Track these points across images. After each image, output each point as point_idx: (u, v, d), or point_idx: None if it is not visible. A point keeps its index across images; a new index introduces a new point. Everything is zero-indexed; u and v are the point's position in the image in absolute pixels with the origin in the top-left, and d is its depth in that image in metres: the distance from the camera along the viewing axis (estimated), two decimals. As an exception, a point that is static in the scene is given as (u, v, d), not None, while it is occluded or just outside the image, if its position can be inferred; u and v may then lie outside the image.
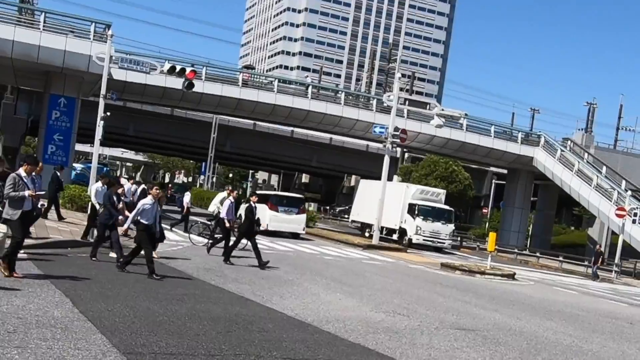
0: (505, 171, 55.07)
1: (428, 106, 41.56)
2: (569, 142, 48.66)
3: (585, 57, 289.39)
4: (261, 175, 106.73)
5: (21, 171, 11.68)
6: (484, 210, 65.30)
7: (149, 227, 14.11)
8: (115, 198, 16.07)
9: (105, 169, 72.08)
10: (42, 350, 7.24)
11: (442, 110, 34.63)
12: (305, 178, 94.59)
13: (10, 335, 7.65)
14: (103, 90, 26.92)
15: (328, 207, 77.54)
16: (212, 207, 24.09)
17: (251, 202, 19.63)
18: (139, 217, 14.24)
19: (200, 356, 7.92)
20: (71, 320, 8.81)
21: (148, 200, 14.56)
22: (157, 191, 15.10)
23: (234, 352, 8.32)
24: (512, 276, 26.84)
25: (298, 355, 8.69)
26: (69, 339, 7.81)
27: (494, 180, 63.97)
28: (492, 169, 63.23)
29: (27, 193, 11.48)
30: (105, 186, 17.64)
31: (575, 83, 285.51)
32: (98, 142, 27.16)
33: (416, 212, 38.00)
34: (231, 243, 18.77)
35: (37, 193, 11.84)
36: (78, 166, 56.99)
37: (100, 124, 26.62)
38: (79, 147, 59.10)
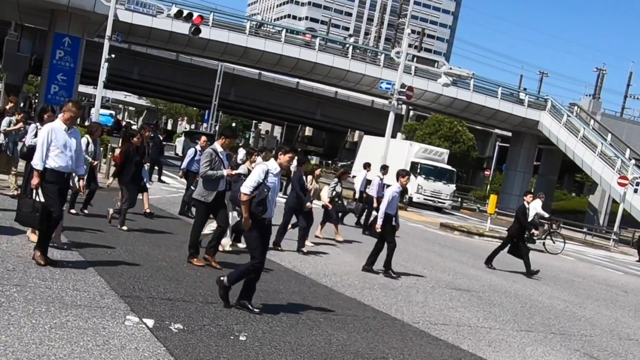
0: (509, 134, 54.84)
1: (436, 64, 41.09)
2: (576, 107, 48.32)
3: (597, 22, 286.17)
4: (264, 126, 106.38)
5: (217, 145, 10.39)
6: (486, 172, 65.26)
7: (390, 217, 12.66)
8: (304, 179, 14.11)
9: (111, 112, 72.03)
10: (40, 289, 7.26)
11: (450, 69, 34.22)
12: (308, 131, 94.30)
13: (9, 273, 7.67)
14: (108, 32, 26.63)
15: (330, 162, 77.44)
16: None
17: (525, 202, 17.10)
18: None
19: (197, 303, 7.95)
20: (70, 262, 8.82)
21: (396, 188, 12.76)
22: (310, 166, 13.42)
23: (230, 300, 8.35)
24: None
25: (294, 306, 8.71)
26: (68, 280, 7.83)
27: (497, 143, 63.78)
28: (497, 131, 62.98)
29: (225, 172, 10.18)
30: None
31: (586, 48, 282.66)
32: (102, 84, 26.98)
33: (418, 171, 37.92)
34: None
35: (235, 172, 10.63)
36: (105, 112, 56.40)
37: (104, 66, 26.40)
38: (82, 88, 58.82)
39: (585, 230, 39.67)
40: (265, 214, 7.89)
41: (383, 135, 34.97)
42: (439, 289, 12.22)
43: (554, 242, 24.56)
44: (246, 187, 7.83)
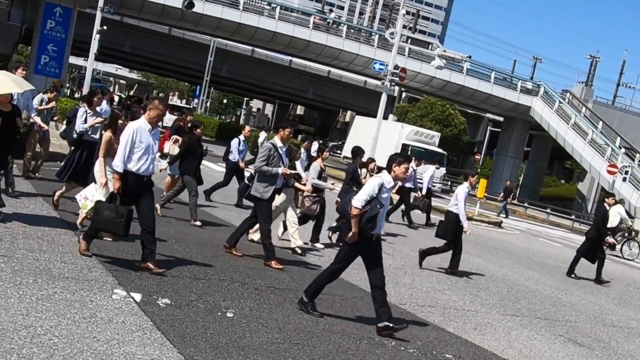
0: (501, 119, 54.87)
1: (430, 46, 41.03)
2: (568, 94, 48.34)
3: (592, 10, 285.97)
4: (256, 104, 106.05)
5: (277, 140, 9.87)
6: (476, 157, 65.34)
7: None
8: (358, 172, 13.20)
9: (99, 85, 71.41)
10: (28, 260, 7.23)
11: (444, 51, 34.14)
12: (300, 110, 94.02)
13: (-5, 243, 7.62)
14: (101, 3, 26.42)
15: (321, 142, 77.30)
16: None
17: (605, 205, 16.05)
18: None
19: (186, 279, 7.94)
20: (58, 234, 8.78)
21: (465, 187, 12.57)
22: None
23: (219, 277, 8.35)
24: (498, 224, 27.04)
25: (282, 284, 8.74)
26: (55, 252, 7.80)
27: (489, 127, 63.81)
28: (489, 115, 62.99)
29: (280, 170, 9.66)
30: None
31: (580, 35, 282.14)
32: (93, 55, 26.81)
33: (409, 153, 37.91)
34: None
35: (290, 172, 10.12)
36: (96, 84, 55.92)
37: (96, 38, 26.23)
38: (73, 60, 58.24)
39: (573, 217, 39.87)
40: (375, 229, 7.36)
41: (375, 116, 34.90)
42: (427, 271, 12.26)
43: (630, 249, 24.54)
44: (358, 201, 7.20)
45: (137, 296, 6.80)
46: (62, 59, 34.28)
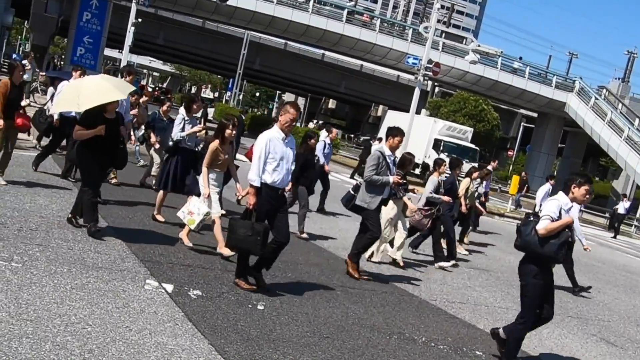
0: (535, 114, 54.29)
1: (464, 41, 40.63)
2: (604, 90, 47.66)
3: (630, 4, 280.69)
4: (288, 97, 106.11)
5: (385, 148, 9.49)
6: (509, 153, 64.73)
7: None
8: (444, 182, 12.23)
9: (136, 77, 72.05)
10: (62, 250, 7.32)
11: (479, 46, 33.80)
12: (332, 103, 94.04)
13: (32, 232, 7.74)
14: (136, -4, 26.60)
15: (352, 135, 77.19)
16: None
17: None
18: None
19: (216, 270, 7.99)
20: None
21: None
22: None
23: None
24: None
25: (312, 278, 8.74)
26: (89, 242, 7.89)
27: (522, 123, 63.17)
28: (522, 111, 62.38)
29: (391, 179, 9.29)
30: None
31: (617, 30, 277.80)
32: (128, 48, 27.04)
33: (441, 148, 37.69)
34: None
35: (400, 180, 9.79)
36: None
37: (130, 30, 26.44)
38: (108, 52, 58.91)
39: (607, 215, 39.31)
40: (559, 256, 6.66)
41: (407, 110, 34.73)
42: (458, 267, 12.18)
43: None
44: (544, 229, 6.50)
45: (169, 287, 6.86)
46: (97, 50, 34.70)
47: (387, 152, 9.39)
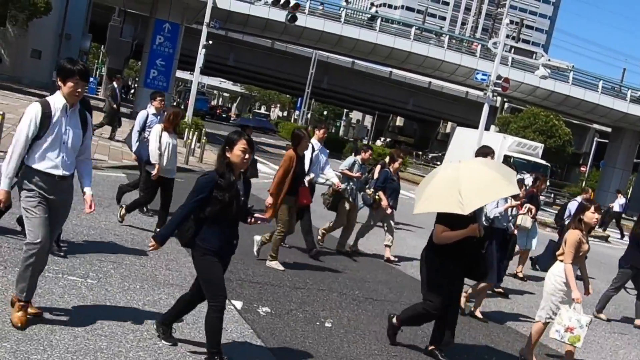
0: (609, 129, 52.86)
1: (534, 55, 39.96)
2: (682, 104, 46.06)
3: None
4: (355, 115, 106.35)
5: None
6: (582, 169, 63.10)
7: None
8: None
9: (203, 97, 73.61)
10: (135, 267, 7.51)
11: (549, 60, 33.19)
12: (399, 121, 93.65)
13: (107, 250, 7.97)
14: (207, 18, 27.20)
15: (420, 153, 76.71)
16: None
17: None
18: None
19: (285, 287, 8.05)
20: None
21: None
22: None
23: (317, 287, 8.41)
24: (605, 238, 26.00)
25: (380, 296, 8.71)
26: (161, 260, 8.06)
27: (595, 138, 61.57)
28: (595, 126, 60.82)
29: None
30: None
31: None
32: (198, 69, 27.59)
33: (510, 165, 37.01)
34: None
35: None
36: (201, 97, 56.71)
37: (201, 52, 26.99)
38: (179, 74, 60.32)
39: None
40: None
41: (476, 127, 34.32)
42: (528, 285, 11.94)
43: None
44: None
45: (238, 304, 6.95)
46: (169, 73, 35.56)
47: None
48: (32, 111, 5.05)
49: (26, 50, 39.54)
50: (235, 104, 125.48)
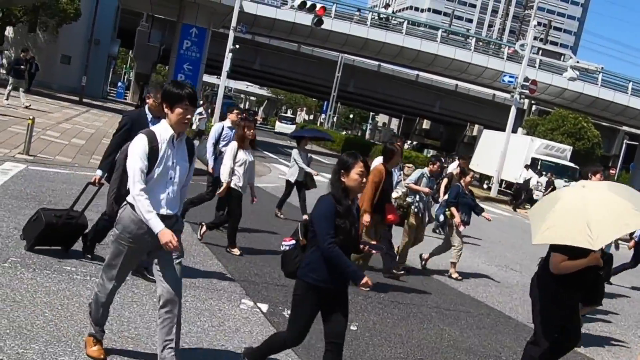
0: (639, 131, 52.21)
1: (562, 57, 39.67)
2: None
3: None
4: (381, 118, 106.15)
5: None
6: (611, 171, 62.25)
7: None
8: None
9: (229, 102, 74.18)
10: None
11: (577, 62, 32.91)
12: (426, 124, 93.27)
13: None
14: (233, 23, 27.40)
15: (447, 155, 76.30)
16: None
17: None
18: None
19: (310, 291, 8.04)
20: (189, 244, 9.10)
21: None
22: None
23: (343, 291, 8.39)
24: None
25: (406, 299, 8.68)
26: (187, 262, 8.07)
27: (625, 140, 60.80)
28: (625, 128, 60.05)
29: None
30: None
31: None
32: (225, 73, 27.81)
33: (538, 167, 36.74)
34: None
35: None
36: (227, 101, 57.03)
37: (228, 56, 27.18)
38: (206, 78, 60.71)
39: None
40: None
41: (503, 129, 34.15)
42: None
43: None
44: None
45: (264, 307, 6.97)
46: (196, 77, 35.81)
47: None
48: (139, 146, 4.50)
49: (56, 55, 40.14)
50: (261, 108, 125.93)
